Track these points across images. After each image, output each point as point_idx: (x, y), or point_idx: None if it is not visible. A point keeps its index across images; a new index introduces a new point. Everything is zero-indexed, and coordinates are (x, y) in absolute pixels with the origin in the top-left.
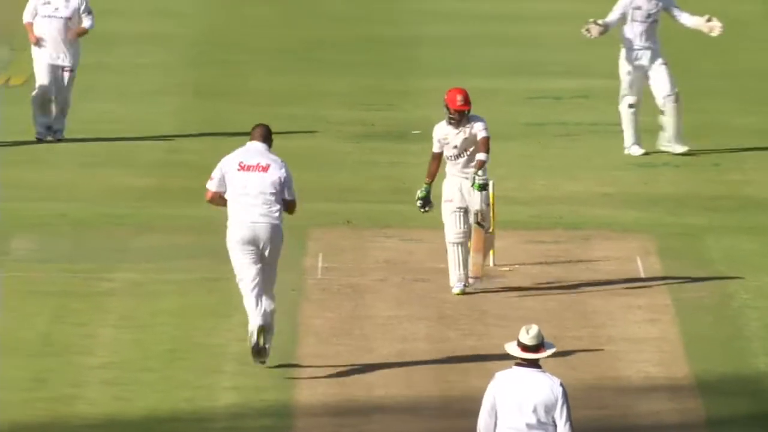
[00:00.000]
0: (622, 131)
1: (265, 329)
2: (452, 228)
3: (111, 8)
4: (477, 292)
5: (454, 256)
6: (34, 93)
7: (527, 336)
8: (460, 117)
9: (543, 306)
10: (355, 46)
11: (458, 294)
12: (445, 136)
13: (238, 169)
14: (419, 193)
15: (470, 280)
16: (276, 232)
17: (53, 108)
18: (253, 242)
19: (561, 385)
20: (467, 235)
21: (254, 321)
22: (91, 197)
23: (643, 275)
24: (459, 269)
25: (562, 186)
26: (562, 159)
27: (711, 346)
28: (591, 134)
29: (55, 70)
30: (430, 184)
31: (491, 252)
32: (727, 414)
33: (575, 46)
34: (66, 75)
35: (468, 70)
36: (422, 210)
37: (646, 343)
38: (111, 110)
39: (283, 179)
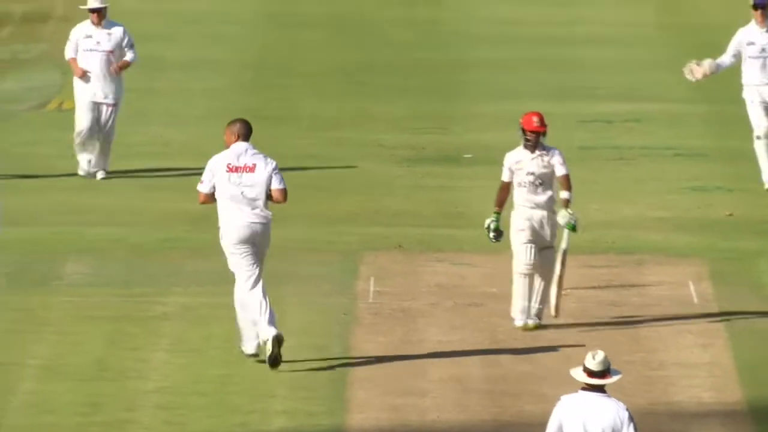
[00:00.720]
0: (685, 156)
1: (280, 340)
2: (522, 259)
3: (161, 34)
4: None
5: (521, 287)
6: (75, 133)
7: (593, 362)
8: (536, 139)
9: (595, 330)
10: (406, 70)
11: (522, 327)
12: (519, 161)
13: (227, 171)
14: (491, 225)
15: (551, 313)
16: (268, 231)
17: (96, 145)
18: (250, 242)
19: (626, 410)
20: (536, 267)
21: (267, 331)
22: (145, 222)
23: (695, 300)
24: (525, 301)
25: (614, 210)
26: (615, 183)
27: (764, 372)
28: (643, 158)
29: (97, 108)
30: (499, 214)
31: None
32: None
33: (625, 69)
34: (109, 110)
35: (519, 94)
36: (494, 240)
37: (699, 368)
38: (162, 135)
39: (270, 175)
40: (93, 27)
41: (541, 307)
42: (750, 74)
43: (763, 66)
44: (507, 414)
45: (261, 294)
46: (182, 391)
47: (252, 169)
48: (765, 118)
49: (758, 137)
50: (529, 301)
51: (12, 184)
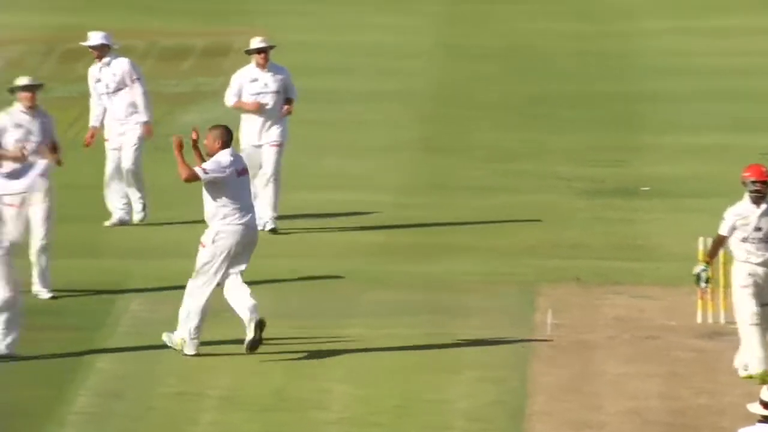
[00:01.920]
0: None
1: (263, 323)
2: (748, 309)
3: (337, 66)
4: (705, 345)
5: (754, 337)
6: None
7: None
8: (765, 189)
9: None
10: (580, 102)
11: (751, 377)
12: (745, 216)
13: (239, 175)
14: (702, 274)
15: None
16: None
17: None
18: (252, 244)
19: None
20: (762, 316)
21: (252, 315)
22: (320, 253)
23: None
24: (761, 349)
25: None
26: None
27: None
28: None
29: (258, 150)
30: (710, 265)
31: (722, 307)
32: None
33: None
34: (274, 150)
35: (695, 126)
36: (703, 288)
37: None
38: (338, 166)
39: None
40: (258, 70)
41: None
42: None
43: None
44: None
45: (244, 291)
46: (360, 422)
47: (247, 172)
48: None
49: None
50: (765, 350)
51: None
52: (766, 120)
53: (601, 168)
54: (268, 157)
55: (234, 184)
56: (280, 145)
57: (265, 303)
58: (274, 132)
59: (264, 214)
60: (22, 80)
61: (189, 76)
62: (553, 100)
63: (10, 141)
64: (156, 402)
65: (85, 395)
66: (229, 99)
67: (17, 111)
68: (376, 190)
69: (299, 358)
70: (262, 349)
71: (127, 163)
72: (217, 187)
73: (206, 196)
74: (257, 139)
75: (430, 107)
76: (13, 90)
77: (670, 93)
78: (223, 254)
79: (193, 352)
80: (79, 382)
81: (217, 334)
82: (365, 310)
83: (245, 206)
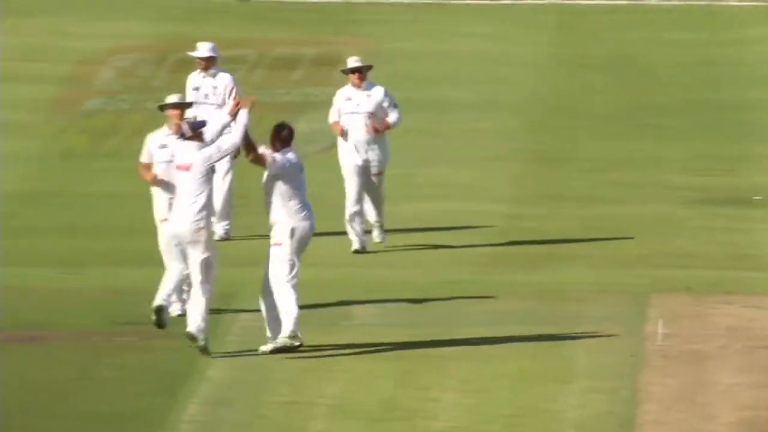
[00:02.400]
0: None
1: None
2: None
3: (446, 76)
4: None
5: None
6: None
7: None
8: None
9: None
10: (689, 110)
11: None
12: None
13: (301, 171)
14: None
15: None
16: None
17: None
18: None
19: None
20: None
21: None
22: (431, 263)
23: None
24: None
25: None
26: None
27: None
28: None
29: (363, 170)
30: None
31: None
32: None
33: None
34: (374, 178)
35: None
36: None
37: None
38: (447, 175)
39: None
40: (353, 89)
41: None
42: None
43: None
44: None
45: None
46: (469, 431)
47: None
48: None
49: None
50: None
51: None
52: None
53: (711, 177)
54: (370, 186)
55: (300, 180)
56: (379, 174)
57: (376, 312)
58: (374, 161)
59: (372, 225)
60: (172, 98)
61: (299, 86)
62: (660, 110)
63: (159, 161)
64: (265, 410)
65: (195, 403)
66: (331, 117)
67: (165, 131)
68: (485, 200)
69: (409, 368)
70: (371, 357)
71: (225, 183)
72: (283, 181)
73: (273, 193)
74: (357, 161)
75: (538, 117)
76: (163, 108)
77: None
78: (298, 249)
79: (298, 343)
80: (190, 390)
81: (327, 341)
82: (476, 319)
83: (307, 203)
